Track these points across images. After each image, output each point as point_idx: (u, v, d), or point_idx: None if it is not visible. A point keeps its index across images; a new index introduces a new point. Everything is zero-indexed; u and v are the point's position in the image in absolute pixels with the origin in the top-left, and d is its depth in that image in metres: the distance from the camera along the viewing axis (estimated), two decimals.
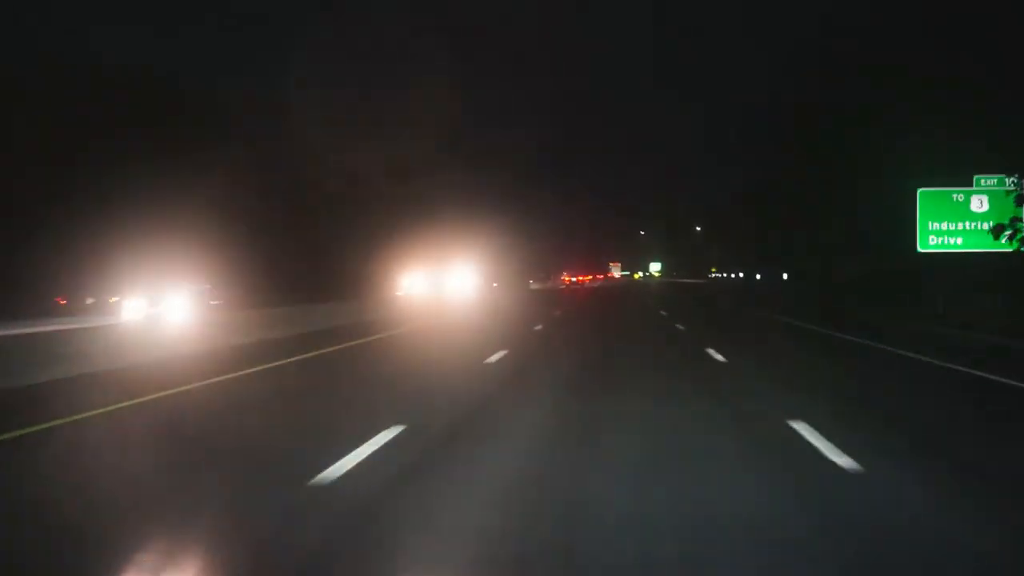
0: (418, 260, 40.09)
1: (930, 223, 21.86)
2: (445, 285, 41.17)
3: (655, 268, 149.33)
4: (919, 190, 21.97)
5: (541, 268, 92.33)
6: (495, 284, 58.40)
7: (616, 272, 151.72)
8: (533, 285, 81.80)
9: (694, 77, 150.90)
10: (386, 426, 6.24)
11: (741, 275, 75.04)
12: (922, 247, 21.82)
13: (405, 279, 36.99)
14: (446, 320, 22.10)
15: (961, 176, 22.24)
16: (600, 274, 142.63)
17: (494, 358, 11.70)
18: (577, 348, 13.39)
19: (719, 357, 11.63)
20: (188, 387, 9.15)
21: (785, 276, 48.26)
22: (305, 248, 35.60)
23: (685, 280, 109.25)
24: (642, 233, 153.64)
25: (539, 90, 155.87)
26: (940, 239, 21.78)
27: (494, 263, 63.01)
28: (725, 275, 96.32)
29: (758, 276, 61.49)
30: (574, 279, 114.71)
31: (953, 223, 21.80)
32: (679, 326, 18.29)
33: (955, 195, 21.80)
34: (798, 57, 38.32)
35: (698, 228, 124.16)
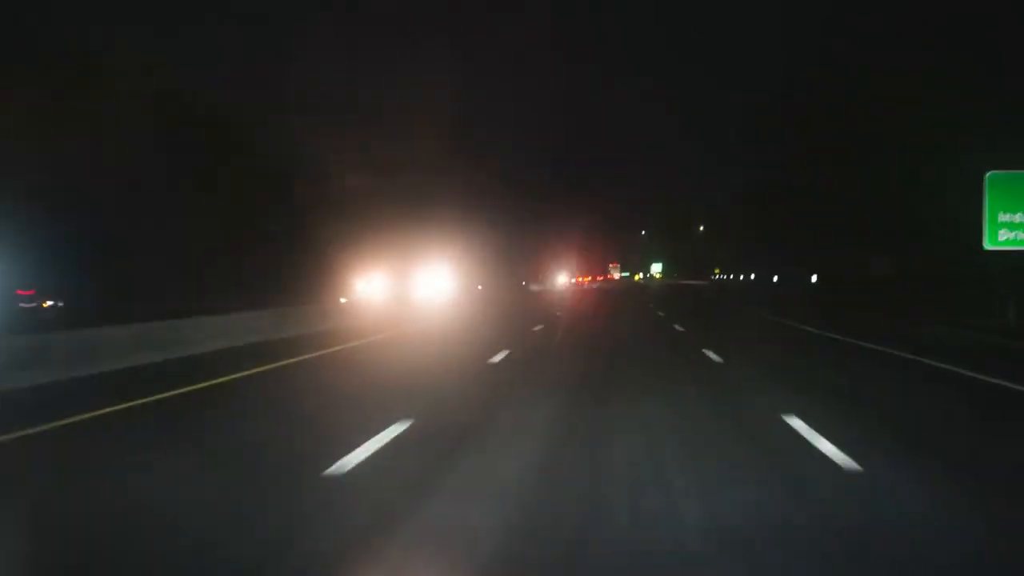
0: (383, 260, 34.34)
1: (1000, 214, 17.53)
2: (413, 288, 35.23)
3: (656, 269, 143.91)
4: (988, 174, 17.53)
5: (535, 268, 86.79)
6: (480, 287, 52.34)
7: (616, 273, 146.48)
8: (533, 287, 77.31)
9: (697, 74, 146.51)
10: None
11: (752, 276, 69.18)
12: (990, 244, 17.55)
13: (361, 282, 31.07)
14: (372, 342, 16.01)
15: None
16: (600, 275, 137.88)
17: (345, 464, 5.44)
18: (548, 426, 6.92)
19: (834, 452, 5.50)
20: None
21: (815, 278, 42.18)
22: (244, 246, 30.02)
23: (688, 282, 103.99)
24: (643, 233, 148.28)
25: (539, 89, 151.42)
26: (1013, 234, 17.52)
27: (481, 263, 57.83)
28: (729, 276, 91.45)
29: (775, 278, 55.39)
30: (573, 280, 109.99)
31: None
32: (711, 354, 12.17)
33: None
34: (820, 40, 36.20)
35: (701, 228, 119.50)
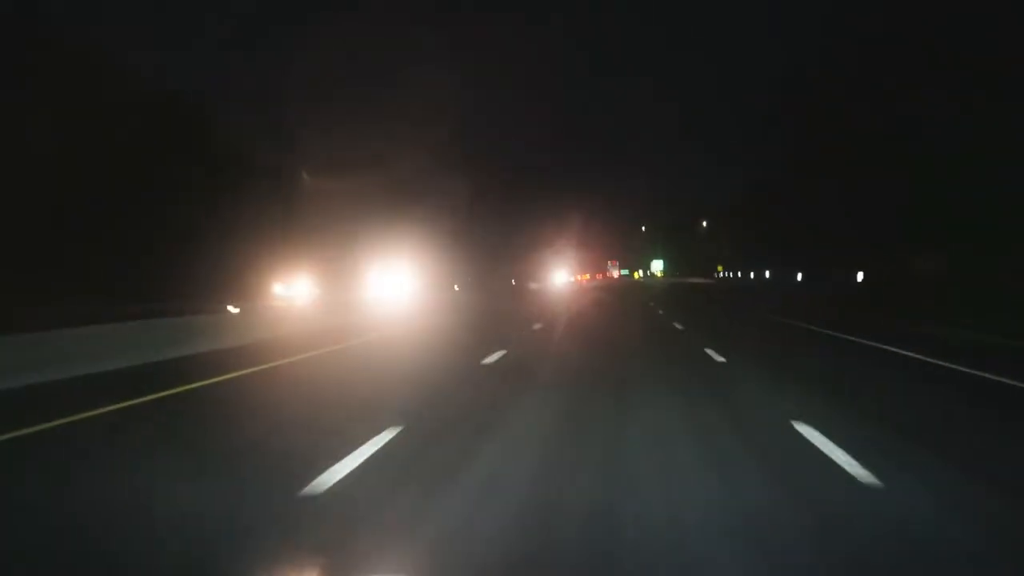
0: (325, 259, 28.19)
1: None
2: (363, 290, 28.79)
3: (657, 267, 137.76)
4: None
5: (530, 266, 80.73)
6: (456, 287, 45.89)
7: (615, 272, 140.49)
8: (532, 285, 72.43)
9: (697, 74, 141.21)
10: None
11: (767, 274, 62.52)
12: None
13: (280, 284, 24.67)
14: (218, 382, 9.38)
15: None
16: (599, 274, 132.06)
17: None
18: None
19: None
20: None
21: (861, 276, 35.49)
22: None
23: (692, 280, 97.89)
24: (643, 229, 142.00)
25: (539, 89, 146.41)
26: None
27: (468, 261, 52.23)
28: (736, 274, 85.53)
29: (799, 276, 48.66)
30: (573, 278, 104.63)
31: None
32: (811, 433, 5.58)
33: None
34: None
35: (704, 224, 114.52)
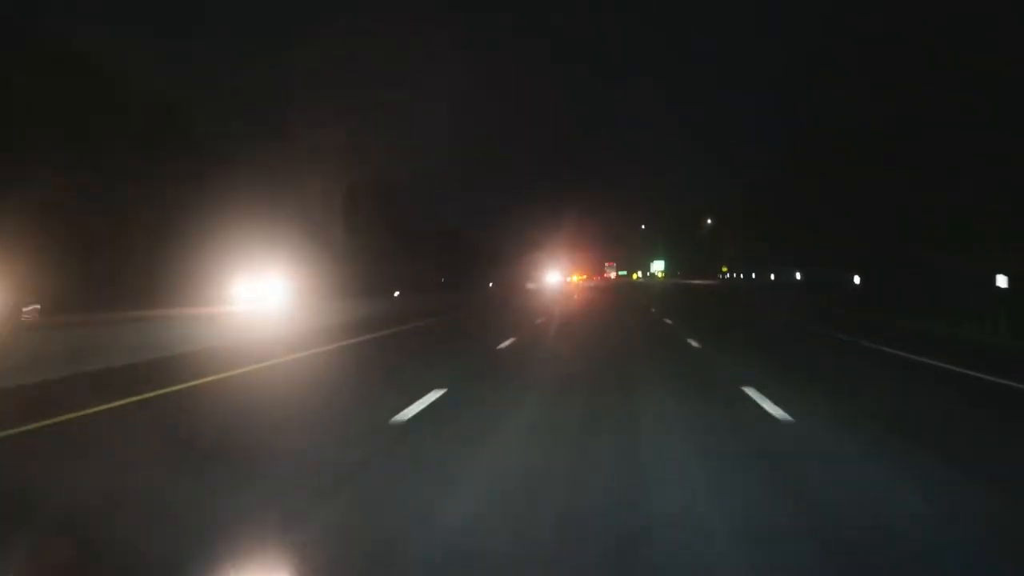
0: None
1: None
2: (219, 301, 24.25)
3: (657, 268, 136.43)
4: None
5: (521, 267, 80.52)
6: (397, 293, 38.62)
7: (612, 273, 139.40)
8: (530, 285, 71.84)
9: (697, 74, 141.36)
10: None
11: (797, 275, 58.99)
12: None
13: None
14: None
15: None
16: (596, 275, 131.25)
17: None
18: None
19: None
20: None
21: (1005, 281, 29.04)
22: None
23: (695, 281, 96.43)
24: (643, 228, 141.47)
25: (538, 89, 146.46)
26: None
27: (422, 262, 49.84)
28: (749, 275, 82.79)
29: (856, 279, 38.92)
30: (567, 279, 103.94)
31: None
32: None
33: None
34: None
35: (708, 221, 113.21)
